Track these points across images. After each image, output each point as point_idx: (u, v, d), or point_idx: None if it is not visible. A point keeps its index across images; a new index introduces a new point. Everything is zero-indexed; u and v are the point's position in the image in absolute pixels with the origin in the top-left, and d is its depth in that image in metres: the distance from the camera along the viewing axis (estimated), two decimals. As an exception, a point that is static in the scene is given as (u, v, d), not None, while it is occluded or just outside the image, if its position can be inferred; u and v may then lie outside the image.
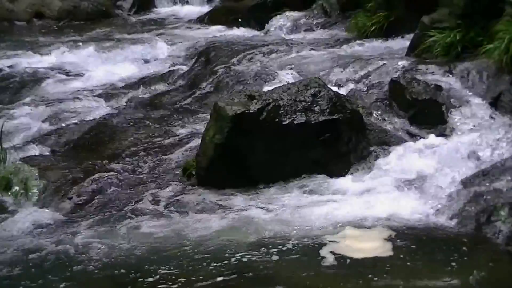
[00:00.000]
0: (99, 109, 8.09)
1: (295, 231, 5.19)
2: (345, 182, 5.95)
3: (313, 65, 8.31)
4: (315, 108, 6.13)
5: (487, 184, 5.43)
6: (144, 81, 9.02)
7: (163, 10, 13.85)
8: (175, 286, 4.59)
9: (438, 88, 6.70)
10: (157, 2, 14.07)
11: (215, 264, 4.79)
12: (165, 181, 6.28)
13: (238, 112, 5.99)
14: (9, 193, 6.08)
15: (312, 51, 8.93)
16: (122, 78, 9.30)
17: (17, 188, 6.09)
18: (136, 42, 10.82)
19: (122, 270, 4.82)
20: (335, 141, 6.13)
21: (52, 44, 11.03)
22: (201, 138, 6.27)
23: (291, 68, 8.28)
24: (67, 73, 9.59)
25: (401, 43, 8.61)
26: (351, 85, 7.52)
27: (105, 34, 11.75)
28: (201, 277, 4.65)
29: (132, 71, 9.60)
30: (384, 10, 9.27)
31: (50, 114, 8.05)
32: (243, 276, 4.64)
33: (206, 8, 13.08)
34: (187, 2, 13.99)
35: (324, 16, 10.91)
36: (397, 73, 7.14)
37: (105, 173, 6.44)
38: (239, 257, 4.86)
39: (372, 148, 6.30)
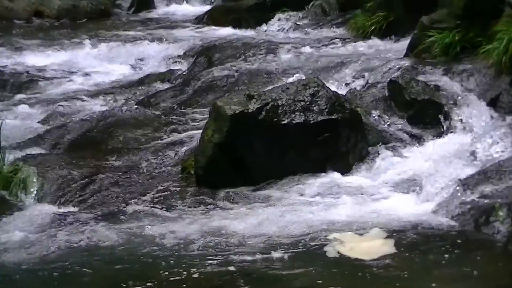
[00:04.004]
0: (97, 108, 8.09)
1: (294, 231, 5.18)
2: (344, 182, 5.95)
3: (312, 65, 8.32)
4: (314, 108, 6.13)
5: (486, 185, 5.43)
6: (143, 80, 9.02)
7: (162, 9, 13.85)
8: (174, 287, 4.59)
9: (437, 88, 6.71)
10: (156, 2, 14.07)
11: (214, 264, 4.79)
12: (163, 180, 6.28)
13: (237, 112, 6.00)
14: (8, 192, 6.08)
15: (311, 51, 8.93)
16: (121, 77, 9.31)
17: (16, 187, 6.09)
18: (135, 41, 10.81)
19: (120, 270, 4.81)
20: (334, 141, 6.13)
21: (51, 43, 11.02)
22: (199, 137, 6.27)
23: (290, 68, 8.27)
24: (65, 72, 9.59)
25: (400, 43, 8.61)
26: (350, 85, 7.53)
27: (104, 33, 11.73)
28: (200, 277, 4.65)
29: (131, 70, 9.61)
30: (384, 10, 9.27)
31: (48, 113, 8.05)
32: (243, 276, 4.63)
33: (205, 8, 13.08)
34: (187, 2, 13.99)
35: (323, 16, 10.91)
36: (396, 73, 7.14)
37: (103, 172, 6.44)
38: (239, 257, 4.86)
39: (371, 148, 6.30)
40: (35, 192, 6.08)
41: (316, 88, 6.24)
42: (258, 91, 6.39)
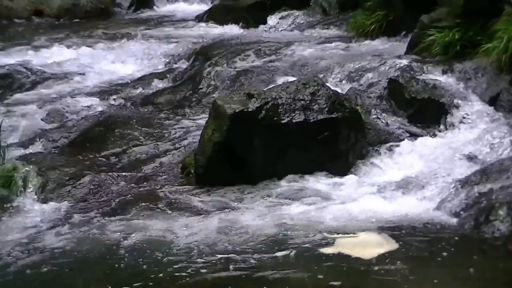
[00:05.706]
0: (98, 107, 8.09)
1: (295, 231, 5.19)
2: (344, 181, 5.95)
3: (312, 64, 8.31)
4: (314, 107, 6.13)
5: (486, 184, 5.43)
6: (143, 79, 9.02)
7: (162, 8, 13.85)
8: (174, 286, 4.59)
9: (437, 87, 6.71)
10: (156, 0, 14.08)
11: (214, 263, 4.79)
12: (163, 179, 6.28)
13: (237, 111, 6.00)
14: (8, 191, 6.08)
15: (311, 50, 8.93)
16: (121, 76, 9.30)
17: (16, 185, 6.09)
18: (134, 40, 10.81)
19: (119, 268, 4.81)
20: (333, 140, 6.13)
21: (51, 42, 11.02)
22: (199, 136, 6.27)
23: (290, 67, 8.28)
24: (65, 71, 9.58)
25: (400, 42, 8.62)
26: (350, 84, 7.53)
27: (104, 32, 11.73)
28: (200, 277, 4.65)
29: (130, 69, 9.60)
30: (383, 9, 9.28)
31: (48, 112, 8.04)
32: (243, 276, 4.64)
33: (205, 6, 13.09)
34: (186, 0, 14.00)
35: (323, 15, 10.92)
36: (396, 72, 7.15)
37: (103, 171, 6.44)
38: (239, 257, 4.86)
39: (370, 147, 6.30)
40: (35, 190, 6.08)
41: (316, 87, 6.25)
42: (258, 90, 6.40)
